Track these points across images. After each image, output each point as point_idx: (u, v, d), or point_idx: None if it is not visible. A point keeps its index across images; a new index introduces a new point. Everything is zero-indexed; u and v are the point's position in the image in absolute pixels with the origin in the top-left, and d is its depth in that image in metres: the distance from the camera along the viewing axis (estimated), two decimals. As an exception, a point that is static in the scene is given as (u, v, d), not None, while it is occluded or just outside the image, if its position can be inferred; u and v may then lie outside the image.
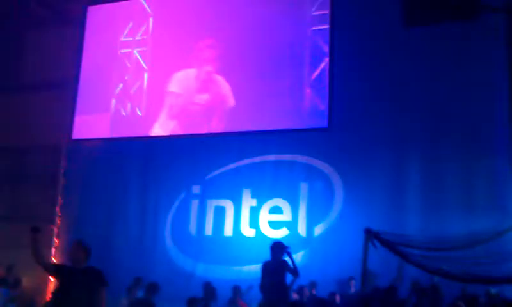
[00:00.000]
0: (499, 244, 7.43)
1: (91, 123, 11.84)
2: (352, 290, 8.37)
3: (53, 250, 11.28)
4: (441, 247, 7.71)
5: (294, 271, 7.24)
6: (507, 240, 7.57)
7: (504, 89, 9.04)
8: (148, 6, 11.96)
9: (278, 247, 7.39)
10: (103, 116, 11.78)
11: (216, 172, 10.65)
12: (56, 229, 11.41)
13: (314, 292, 8.35)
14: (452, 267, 7.11)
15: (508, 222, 7.89)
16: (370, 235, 7.13)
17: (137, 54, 11.78)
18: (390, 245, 7.40)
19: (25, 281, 10.38)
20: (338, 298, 8.21)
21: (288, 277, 7.28)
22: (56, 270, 5.93)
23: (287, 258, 7.26)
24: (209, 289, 8.04)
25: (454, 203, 8.79)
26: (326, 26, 10.42)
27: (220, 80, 11.07)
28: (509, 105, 9.13)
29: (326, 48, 10.34)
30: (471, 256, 7.59)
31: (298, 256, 8.50)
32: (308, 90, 10.39)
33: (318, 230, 9.68)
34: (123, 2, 12.12)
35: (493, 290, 7.67)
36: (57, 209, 11.54)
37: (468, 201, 8.75)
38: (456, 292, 7.71)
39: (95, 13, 12.38)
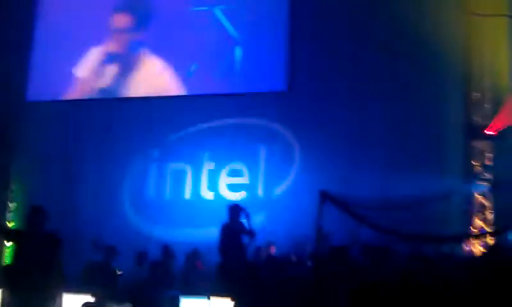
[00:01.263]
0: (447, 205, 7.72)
1: (46, 85, 11.54)
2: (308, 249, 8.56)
3: (8, 215, 11.11)
4: (393, 207, 7.98)
5: (251, 232, 7.39)
6: (454, 202, 7.89)
7: (459, 53, 9.27)
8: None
9: (235, 210, 7.52)
10: (59, 77, 11.49)
11: (175, 135, 10.62)
12: (10, 194, 11.21)
13: (272, 252, 8.51)
14: (404, 227, 7.37)
15: (455, 185, 8.22)
16: (324, 196, 7.29)
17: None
18: (344, 206, 7.60)
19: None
20: (293, 257, 8.40)
21: (246, 239, 7.42)
22: (11, 234, 5.90)
23: (244, 220, 7.39)
24: (168, 252, 8.11)
25: (408, 164, 9.03)
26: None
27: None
28: (465, 70, 9.39)
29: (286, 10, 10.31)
30: (422, 216, 7.92)
31: (257, 218, 8.63)
32: (266, 53, 10.39)
33: (276, 192, 9.86)
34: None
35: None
36: (12, 173, 11.31)
37: (421, 162, 9.01)
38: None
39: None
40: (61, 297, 5.89)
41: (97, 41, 11.42)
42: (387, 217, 7.69)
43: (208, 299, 5.83)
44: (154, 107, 10.78)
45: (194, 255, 8.46)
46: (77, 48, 11.47)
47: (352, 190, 8.51)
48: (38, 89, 11.56)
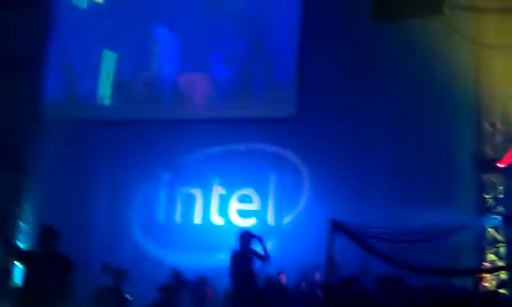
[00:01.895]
0: (458, 238, 7.67)
1: (61, 105, 11.65)
2: (318, 279, 8.52)
3: (19, 234, 11.13)
4: (404, 239, 7.93)
5: (265, 256, 7.33)
6: (466, 235, 7.84)
7: (469, 85, 9.29)
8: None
9: (246, 236, 7.48)
10: (73, 98, 11.60)
11: (186, 159, 10.66)
12: (21, 213, 11.25)
13: (282, 281, 8.46)
14: (415, 259, 7.32)
15: (467, 218, 8.17)
16: (335, 226, 7.28)
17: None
18: (355, 236, 7.57)
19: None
20: (304, 286, 8.37)
21: (257, 266, 7.38)
22: (24, 256, 5.91)
23: (257, 246, 7.35)
24: (178, 277, 8.08)
25: (419, 197, 9.00)
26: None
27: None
28: (476, 102, 9.40)
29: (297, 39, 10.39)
30: (433, 248, 7.86)
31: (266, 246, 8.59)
32: (277, 80, 10.46)
33: (286, 220, 9.83)
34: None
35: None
36: (24, 192, 11.36)
37: (431, 194, 8.97)
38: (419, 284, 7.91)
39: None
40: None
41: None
42: (398, 248, 7.66)
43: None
44: (165, 130, 10.83)
45: (203, 281, 8.44)
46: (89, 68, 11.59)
47: (362, 219, 8.47)
48: (52, 109, 11.67)
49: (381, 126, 9.64)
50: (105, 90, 11.57)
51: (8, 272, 9.91)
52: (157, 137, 10.82)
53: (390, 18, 9.50)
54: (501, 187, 9.02)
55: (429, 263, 7.35)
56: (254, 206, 10.11)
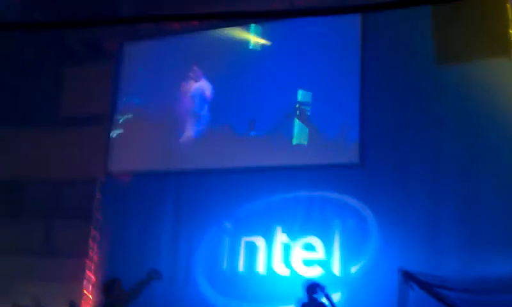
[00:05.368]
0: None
1: (126, 157, 11.95)
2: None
3: (86, 284, 11.34)
4: (479, 289, 7.54)
5: None
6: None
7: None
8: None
9: (313, 288, 7.28)
10: (138, 150, 11.88)
11: (248, 207, 10.61)
12: (89, 263, 11.48)
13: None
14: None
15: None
16: (407, 277, 7.02)
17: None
18: (427, 287, 7.27)
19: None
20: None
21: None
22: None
23: (323, 299, 7.14)
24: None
25: (494, 244, 8.57)
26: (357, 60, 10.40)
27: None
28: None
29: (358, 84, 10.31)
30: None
31: (333, 297, 8.33)
32: (340, 125, 10.35)
33: (353, 269, 9.51)
34: (160, 40, 12.17)
35: None
36: (91, 243, 11.62)
37: (508, 242, 8.52)
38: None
39: (132, 49, 12.54)
40: None
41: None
42: (470, 300, 7.29)
43: None
44: (228, 178, 10.86)
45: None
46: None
47: (433, 268, 8.16)
48: (119, 161, 11.99)
49: (449, 171, 9.30)
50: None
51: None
52: (220, 185, 10.87)
53: (453, 61, 9.28)
54: None
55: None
56: (318, 254, 9.85)
